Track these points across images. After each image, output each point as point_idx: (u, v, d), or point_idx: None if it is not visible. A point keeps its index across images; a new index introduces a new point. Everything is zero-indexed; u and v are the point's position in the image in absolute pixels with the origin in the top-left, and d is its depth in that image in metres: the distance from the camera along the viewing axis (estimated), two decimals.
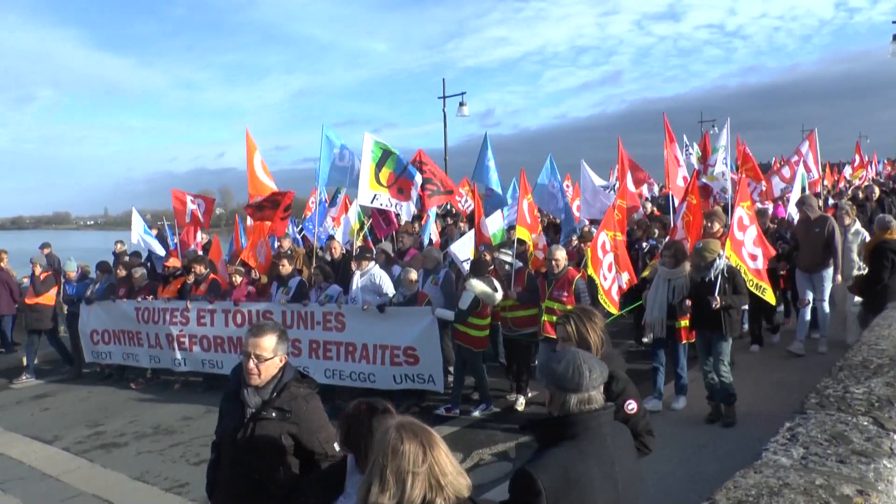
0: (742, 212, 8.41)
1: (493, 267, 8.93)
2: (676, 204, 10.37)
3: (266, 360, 3.56)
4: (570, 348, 3.12)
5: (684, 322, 7.68)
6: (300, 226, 16.36)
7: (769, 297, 8.40)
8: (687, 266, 7.66)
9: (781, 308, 11.17)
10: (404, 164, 11.43)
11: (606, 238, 8.84)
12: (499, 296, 8.26)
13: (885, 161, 33.18)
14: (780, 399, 7.43)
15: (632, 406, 3.74)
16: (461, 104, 26.96)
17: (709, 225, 9.48)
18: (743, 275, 7.77)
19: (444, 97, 26.72)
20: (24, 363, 11.97)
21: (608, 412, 2.74)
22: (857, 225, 9.91)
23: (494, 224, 11.08)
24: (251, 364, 3.54)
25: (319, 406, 3.70)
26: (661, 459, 6.30)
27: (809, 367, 8.57)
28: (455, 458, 2.30)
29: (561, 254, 8.06)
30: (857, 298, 9.46)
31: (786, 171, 13.95)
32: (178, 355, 10.53)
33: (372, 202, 11.16)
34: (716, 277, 7.25)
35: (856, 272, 9.48)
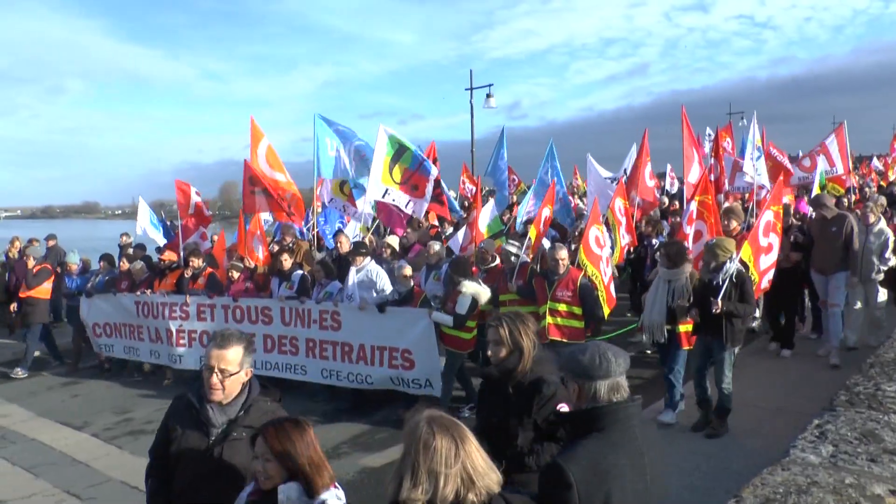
0: (771, 216, 8.04)
1: (490, 265, 8.94)
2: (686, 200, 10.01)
3: (231, 374, 3.21)
4: (592, 341, 3.10)
5: (684, 327, 7.34)
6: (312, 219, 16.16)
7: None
8: (688, 267, 7.36)
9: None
10: (420, 160, 11.26)
11: (598, 232, 8.67)
12: (487, 293, 8.14)
13: None
14: (807, 396, 7.33)
15: (564, 409, 3.63)
16: (488, 96, 27.08)
17: (725, 223, 9.06)
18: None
19: (472, 89, 26.78)
20: (25, 355, 11.90)
21: (636, 404, 2.74)
22: (882, 224, 9.41)
23: (485, 218, 10.90)
24: (214, 379, 3.18)
25: None
26: (688, 454, 6.30)
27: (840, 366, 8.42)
28: (486, 454, 2.31)
29: (564, 253, 7.82)
30: (881, 299, 9.23)
31: (806, 162, 13.52)
32: (177, 351, 10.47)
33: (384, 197, 10.97)
34: (723, 281, 6.86)
35: (874, 275, 9.09)
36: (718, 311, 6.68)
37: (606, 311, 8.33)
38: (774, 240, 8.14)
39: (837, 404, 3.42)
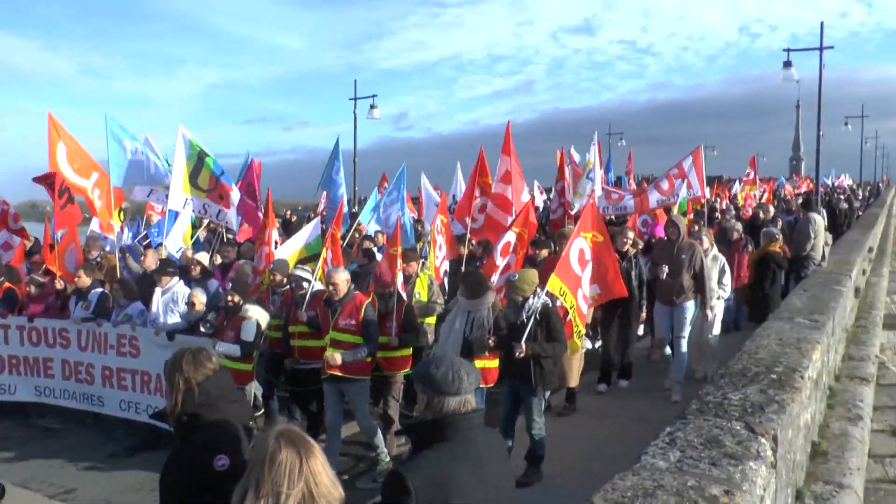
0: (584, 244, 7.25)
1: (285, 288, 8.23)
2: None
3: None
4: (448, 355, 3.21)
5: (481, 362, 6.65)
6: (144, 231, 14.52)
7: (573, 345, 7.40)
8: (490, 297, 6.90)
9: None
10: (221, 169, 10.70)
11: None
12: (267, 317, 7.73)
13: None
14: (670, 405, 7.77)
15: (222, 462, 3.36)
16: (372, 106, 27.27)
17: (556, 249, 8.35)
18: (572, 319, 7.02)
19: (356, 99, 27.01)
20: None
21: (479, 414, 2.98)
22: (716, 249, 9.46)
23: (294, 245, 9.58)
24: None
25: None
26: (553, 462, 6.50)
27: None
28: (331, 470, 2.49)
29: (341, 276, 7.07)
30: (716, 331, 9.18)
31: (664, 184, 13.18)
32: None
33: (184, 207, 10.15)
34: (528, 318, 6.37)
35: (714, 301, 8.90)
36: (523, 354, 6.21)
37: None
38: (591, 268, 7.40)
39: (689, 412, 3.66)
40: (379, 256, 11.28)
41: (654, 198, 13.16)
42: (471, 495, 2.75)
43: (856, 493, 4.95)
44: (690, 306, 8.58)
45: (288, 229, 14.39)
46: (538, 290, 6.58)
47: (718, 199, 22.81)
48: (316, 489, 2.32)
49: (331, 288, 6.99)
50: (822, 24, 20.78)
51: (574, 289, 7.02)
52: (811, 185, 32.67)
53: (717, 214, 17.03)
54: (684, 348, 8.59)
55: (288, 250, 9.29)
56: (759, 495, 2.95)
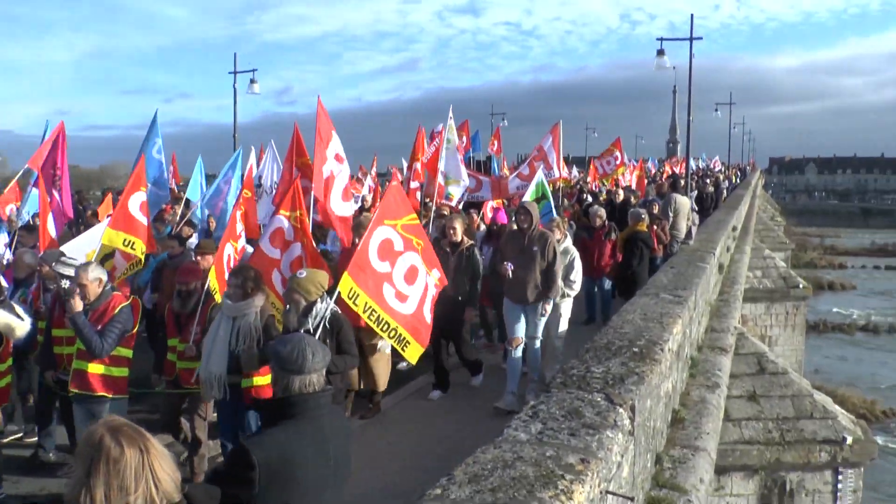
0: (390, 233, 6.49)
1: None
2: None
3: None
4: (298, 333, 3.28)
5: (247, 380, 5.79)
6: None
7: (411, 354, 6.62)
8: (259, 300, 5.94)
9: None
10: None
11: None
12: (25, 326, 6.02)
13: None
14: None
15: None
16: (252, 81, 26.51)
17: (356, 241, 7.52)
18: (379, 324, 6.23)
19: (235, 72, 26.17)
20: None
21: (326, 395, 3.11)
22: (568, 242, 8.94)
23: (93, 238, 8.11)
24: None
25: None
26: (423, 439, 6.94)
27: None
28: (169, 454, 2.45)
29: (91, 275, 5.88)
30: (562, 328, 8.48)
31: (525, 170, 12.80)
32: None
33: None
34: (315, 327, 5.62)
35: (559, 299, 8.14)
36: None
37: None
38: (411, 258, 6.59)
39: (553, 386, 3.80)
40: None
41: (513, 184, 12.74)
42: (314, 472, 2.93)
43: (709, 454, 5.35)
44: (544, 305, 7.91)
45: None
46: (325, 294, 5.87)
47: (586, 182, 23.28)
48: (161, 476, 2.24)
49: (88, 287, 5.80)
50: (692, 16, 21.74)
51: (375, 288, 6.19)
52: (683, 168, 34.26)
53: (586, 196, 17.31)
54: (538, 345, 7.92)
55: (89, 242, 7.93)
56: (615, 461, 3.13)
